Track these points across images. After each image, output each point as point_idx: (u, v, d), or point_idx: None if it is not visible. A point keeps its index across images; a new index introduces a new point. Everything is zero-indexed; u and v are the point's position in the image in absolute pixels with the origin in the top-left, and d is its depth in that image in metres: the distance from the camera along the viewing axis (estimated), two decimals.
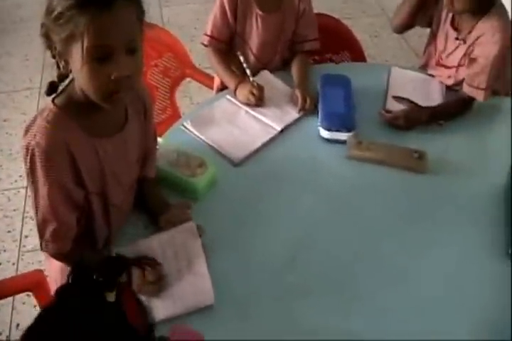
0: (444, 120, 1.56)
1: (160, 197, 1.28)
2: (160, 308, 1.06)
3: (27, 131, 1.01)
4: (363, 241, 1.25)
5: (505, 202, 1.32)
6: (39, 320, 0.67)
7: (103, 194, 1.13)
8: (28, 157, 1.00)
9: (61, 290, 0.71)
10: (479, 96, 1.55)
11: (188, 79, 2.06)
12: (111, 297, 0.68)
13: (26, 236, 2.12)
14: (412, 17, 1.67)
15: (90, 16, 0.89)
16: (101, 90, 0.97)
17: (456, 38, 1.58)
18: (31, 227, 2.13)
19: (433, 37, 1.69)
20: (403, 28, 1.73)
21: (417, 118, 1.54)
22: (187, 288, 1.09)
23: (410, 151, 1.43)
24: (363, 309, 1.12)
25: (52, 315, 0.68)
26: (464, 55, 1.57)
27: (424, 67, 1.77)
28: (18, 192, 2.31)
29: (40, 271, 1.36)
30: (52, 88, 1.02)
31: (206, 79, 1.98)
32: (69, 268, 1.22)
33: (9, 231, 2.16)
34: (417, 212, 1.32)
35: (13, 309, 1.90)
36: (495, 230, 1.26)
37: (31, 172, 1.02)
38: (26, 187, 2.25)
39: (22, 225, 2.17)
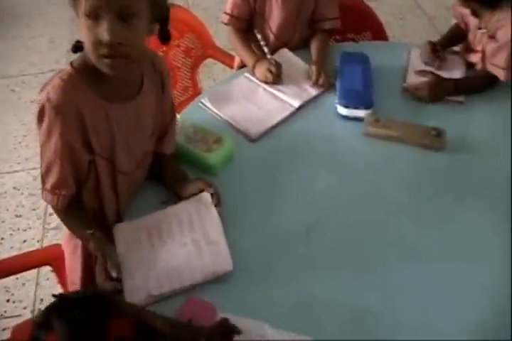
0: (466, 94, 1.54)
1: (178, 170, 1.28)
2: (178, 277, 1.06)
3: (43, 88, 1.04)
4: (377, 217, 1.25)
5: None
6: None
7: (111, 159, 1.15)
8: (38, 111, 1.03)
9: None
10: (499, 74, 1.52)
11: (213, 60, 2.07)
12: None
13: (51, 214, 2.15)
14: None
15: None
16: (93, 52, 0.99)
17: (479, 28, 1.56)
18: None
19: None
20: None
21: (441, 89, 1.53)
22: (205, 257, 1.09)
23: (428, 129, 1.41)
24: (374, 283, 1.12)
25: None
26: (488, 37, 1.54)
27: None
28: None
29: (59, 246, 1.38)
30: (77, 47, 1.05)
31: (227, 59, 1.99)
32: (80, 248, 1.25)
33: (34, 209, 2.21)
34: (432, 189, 1.32)
35: (37, 284, 1.94)
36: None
37: (39, 126, 1.05)
38: None
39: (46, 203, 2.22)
